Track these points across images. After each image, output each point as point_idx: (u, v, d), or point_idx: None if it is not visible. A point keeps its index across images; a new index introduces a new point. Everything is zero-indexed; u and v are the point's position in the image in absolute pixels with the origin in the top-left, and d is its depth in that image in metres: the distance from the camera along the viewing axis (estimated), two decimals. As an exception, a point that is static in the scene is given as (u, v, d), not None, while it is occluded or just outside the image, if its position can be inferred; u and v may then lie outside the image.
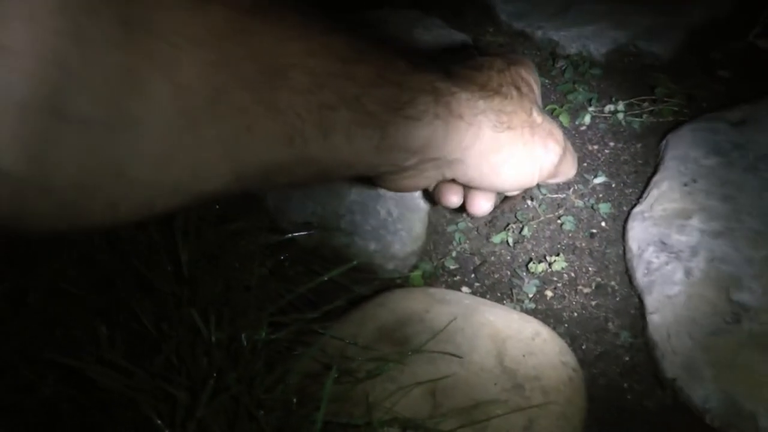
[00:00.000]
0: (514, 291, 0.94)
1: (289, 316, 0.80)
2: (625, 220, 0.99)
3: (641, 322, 0.89)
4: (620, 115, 1.14)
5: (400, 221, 0.98)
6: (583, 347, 0.89)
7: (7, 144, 0.38)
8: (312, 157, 0.56)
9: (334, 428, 0.71)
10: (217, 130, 0.47)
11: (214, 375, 0.70)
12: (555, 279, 0.95)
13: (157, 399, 0.70)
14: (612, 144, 1.11)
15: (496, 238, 1.00)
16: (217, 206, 0.90)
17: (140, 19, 0.41)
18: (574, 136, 1.13)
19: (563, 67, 1.24)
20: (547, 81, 1.23)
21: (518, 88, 0.72)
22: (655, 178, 1.01)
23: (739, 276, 0.86)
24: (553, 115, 1.15)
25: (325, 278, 0.81)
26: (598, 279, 0.95)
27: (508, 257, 0.99)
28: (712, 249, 0.89)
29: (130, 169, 0.44)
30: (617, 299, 0.93)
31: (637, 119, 1.14)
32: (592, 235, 0.99)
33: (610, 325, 0.90)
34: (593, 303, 0.93)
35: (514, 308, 0.91)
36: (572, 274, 0.95)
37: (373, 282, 0.97)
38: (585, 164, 1.08)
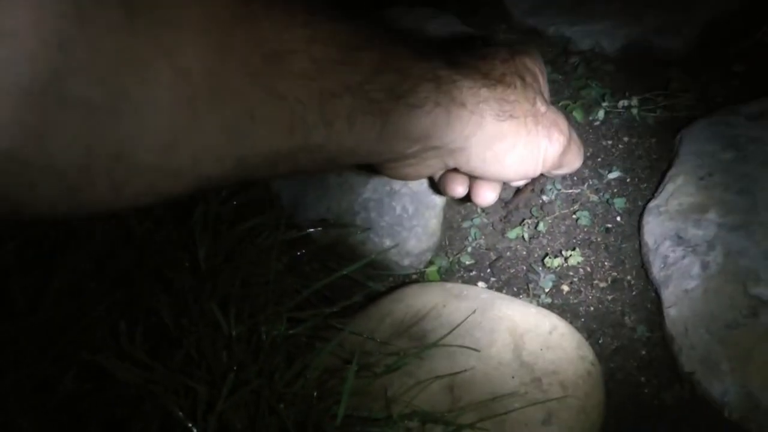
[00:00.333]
0: (531, 286, 0.94)
1: (307, 312, 0.80)
2: (641, 215, 0.99)
3: (658, 316, 0.89)
4: (634, 110, 1.14)
5: (416, 217, 0.98)
6: (600, 341, 0.89)
7: (11, 126, 0.38)
8: (314, 143, 0.56)
9: (355, 422, 0.71)
10: (218, 115, 0.48)
11: (234, 369, 0.70)
12: (571, 274, 0.95)
13: (177, 393, 0.70)
14: (626, 139, 1.11)
15: (512, 234, 1.00)
16: (234, 203, 0.91)
17: (143, 4, 0.41)
18: (588, 132, 1.12)
19: (576, 63, 1.24)
20: (560, 77, 1.22)
21: (522, 78, 0.72)
22: (671, 173, 1.01)
23: (756, 270, 0.86)
24: (566, 111, 1.15)
25: (343, 273, 0.81)
26: (615, 273, 0.95)
27: (524, 252, 0.99)
28: (729, 243, 0.89)
29: (132, 153, 0.44)
30: (634, 293, 0.93)
31: (651, 114, 1.14)
32: (607, 229, 0.99)
33: (626, 319, 0.90)
34: (610, 297, 0.92)
35: (531, 303, 0.91)
36: (588, 269, 0.95)
37: (389, 278, 0.97)
38: (599, 159, 1.08)
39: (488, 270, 0.97)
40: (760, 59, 1.20)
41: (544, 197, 1.03)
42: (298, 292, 0.83)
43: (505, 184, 0.81)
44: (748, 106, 1.07)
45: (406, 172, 0.72)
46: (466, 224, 1.03)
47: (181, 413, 0.67)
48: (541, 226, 1.00)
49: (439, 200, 1.01)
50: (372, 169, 0.72)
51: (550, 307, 0.92)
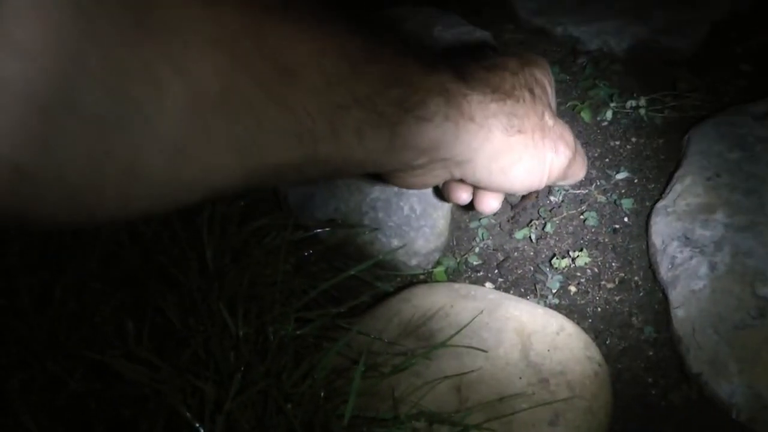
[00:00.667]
0: (538, 286, 0.94)
1: (314, 312, 0.80)
2: (648, 215, 0.99)
3: (665, 317, 0.89)
4: (642, 111, 1.14)
5: (423, 218, 0.98)
6: (608, 342, 0.88)
7: (20, 138, 0.38)
8: (322, 155, 0.56)
9: (362, 422, 0.71)
10: (228, 127, 0.48)
11: (242, 369, 0.70)
12: (578, 274, 0.95)
13: (185, 393, 0.70)
14: (634, 139, 1.11)
15: (519, 234, 1.00)
16: (242, 203, 0.91)
17: (154, 17, 0.41)
18: (596, 132, 1.12)
19: (584, 64, 1.24)
20: (567, 77, 1.22)
21: (531, 91, 0.73)
22: (678, 173, 1.01)
23: (764, 270, 0.86)
24: (574, 111, 1.15)
25: (351, 273, 0.81)
26: (622, 274, 0.95)
27: (531, 253, 0.99)
28: (737, 243, 0.89)
29: (141, 164, 0.44)
30: (641, 294, 0.93)
31: (659, 114, 1.13)
32: (615, 230, 0.99)
33: (634, 320, 0.90)
34: (617, 298, 0.92)
35: (538, 303, 0.91)
36: (596, 270, 0.95)
37: (397, 278, 0.97)
38: (607, 160, 1.08)
39: (496, 270, 0.97)
40: (767, 59, 1.20)
41: (552, 198, 1.03)
42: (306, 292, 0.83)
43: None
44: (755, 105, 1.07)
45: (413, 181, 0.73)
46: (473, 225, 1.03)
47: (188, 413, 0.67)
48: (549, 227, 1.00)
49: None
50: (377, 175, 0.72)
51: (557, 307, 0.92)
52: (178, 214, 0.86)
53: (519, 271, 0.97)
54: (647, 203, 1.02)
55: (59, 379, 0.75)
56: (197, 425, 0.67)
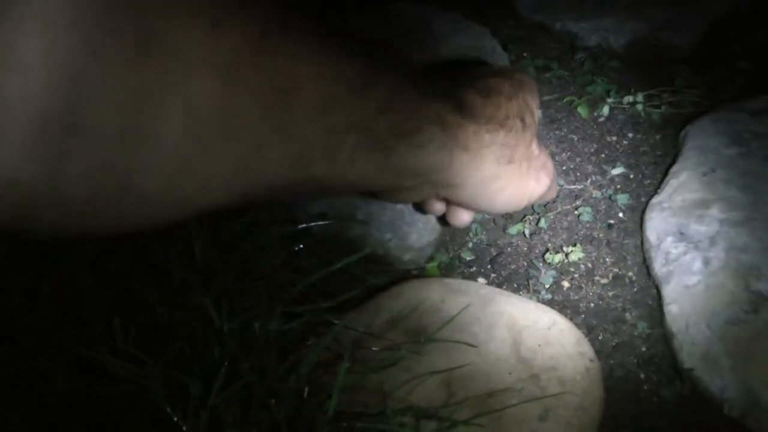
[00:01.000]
0: (531, 282, 0.94)
1: (303, 307, 0.80)
2: (644, 211, 0.98)
3: (659, 312, 0.88)
4: (639, 107, 1.13)
5: (417, 212, 0.97)
6: (600, 338, 0.88)
7: (23, 156, 0.39)
8: (316, 176, 0.57)
9: (348, 417, 0.71)
10: (226, 148, 0.48)
11: (226, 364, 0.70)
12: (572, 270, 0.94)
13: (170, 388, 0.70)
14: (631, 135, 1.10)
15: (513, 230, 0.99)
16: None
17: (155, 39, 0.41)
18: (592, 128, 1.12)
19: (582, 59, 1.23)
20: (566, 73, 1.22)
21: (523, 120, 0.76)
22: (674, 168, 1.00)
23: (758, 265, 0.85)
24: (571, 107, 1.15)
25: (338, 267, 0.81)
26: (616, 270, 0.94)
27: (525, 248, 0.98)
28: (731, 238, 0.88)
29: (140, 183, 0.45)
30: (635, 290, 0.92)
31: (656, 110, 1.13)
32: (609, 225, 0.99)
33: (627, 315, 0.90)
34: (611, 294, 0.92)
35: (531, 299, 0.91)
36: (589, 265, 0.95)
37: (389, 273, 0.97)
38: (603, 155, 1.08)
39: (489, 266, 0.97)
40: (765, 57, 1.19)
41: (547, 193, 1.03)
42: (295, 286, 0.82)
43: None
44: (752, 102, 1.06)
45: (400, 197, 0.76)
46: (467, 220, 1.02)
47: (169, 409, 0.67)
48: (543, 222, 0.99)
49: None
50: None
51: (550, 303, 0.91)
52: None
53: (512, 267, 0.96)
54: (643, 199, 1.01)
55: (47, 376, 0.75)
56: (177, 420, 0.66)
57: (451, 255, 0.98)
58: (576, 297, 0.91)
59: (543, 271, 0.94)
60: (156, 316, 0.76)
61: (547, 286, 0.93)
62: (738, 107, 1.06)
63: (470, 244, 0.99)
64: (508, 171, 0.75)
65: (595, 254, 0.96)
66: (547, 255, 0.95)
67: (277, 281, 0.81)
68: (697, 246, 0.89)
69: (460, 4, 1.32)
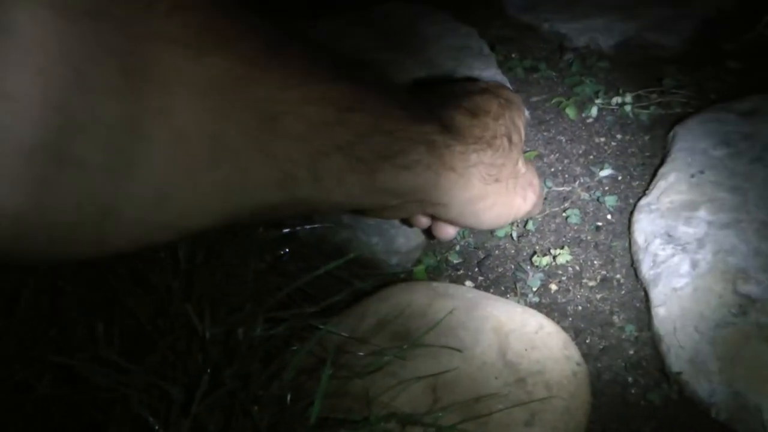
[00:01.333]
0: (518, 285, 0.93)
1: (288, 312, 0.79)
2: (632, 213, 0.98)
3: (647, 315, 0.88)
4: (628, 108, 1.13)
5: (403, 224, 0.97)
6: (588, 341, 0.87)
7: (9, 185, 0.39)
8: (301, 198, 0.57)
9: (331, 423, 0.70)
10: (212, 174, 0.49)
11: (209, 371, 0.69)
12: (560, 272, 0.94)
13: (152, 396, 0.69)
14: (619, 136, 1.10)
15: (501, 232, 0.99)
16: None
17: (141, 68, 0.42)
18: (580, 129, 1.11)
19: (570, 60, 1.23)
20: (554, 74, 1.22)
21: (510, 139, 0.77)
22: (662, 170, 1.00)
23: (746, 268, 0.85)
24: (559, 108, 1.14)
25: (324, 271, 0.80)
26: (604, 272, 0.94)
27: (513, 251, 0.97)
28: (719, 241, 0.88)
29: (124, 210, 0.45)
30: (623, 292, 0.92)
31: (645, 111, 1.12)
32: (597, 228, 0.98)
33: (615, 318, 0.89)
34: (598, 296, 0.91)
35: (518, 302, 0.90)
36: (577, 268, 0.94)
37: (376, 277, 0.96)
38: (591, 157, 1.07)
39: (476, 269, 0.96)
40: (754, 57, 1.19)
41: (534, 195, 1.02)
42: (281, 291, 0.82)
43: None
44: (741, 102, 1.06)
45: (386, 215, 0.76)
46: (455, 223, 1.02)
47: (152, 418, 0.66)
48: (531, 225, 0.99)
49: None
50: None
51: (537, 306, 0.90)
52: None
53: (500, 270, 0.96)
54: (631, 200, 1.00)
55: (27, 383, 0.74)
56: (158, 429, 0.66)
57: (438, 258, 0.98)
58: (563, 300, 0.91)
59: (530, 273, 0.94)
60: (138, 322, 0.75)
61: (534, 289, 0.92)
62: (727, 108, 1.06)
63: (458, 247, 0.98)
64: (495, 190, 0.76)
65: (582, 257, 0.95)
66: (535, 258, 0.95)
67: (262, 286, 0.81)
68: (685, 248, 0.88)
69: (448, 4, 1.32)
